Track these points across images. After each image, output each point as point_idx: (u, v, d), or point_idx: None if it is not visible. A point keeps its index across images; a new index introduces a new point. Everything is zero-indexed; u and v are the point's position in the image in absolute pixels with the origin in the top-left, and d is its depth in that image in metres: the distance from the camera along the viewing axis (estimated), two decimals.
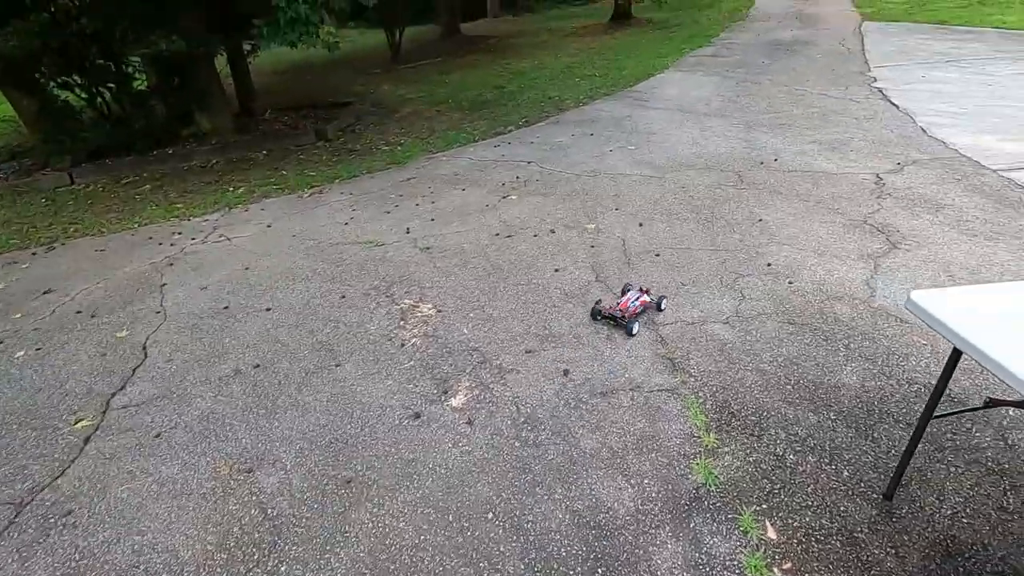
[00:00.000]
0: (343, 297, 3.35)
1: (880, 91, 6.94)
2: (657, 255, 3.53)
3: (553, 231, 3.97)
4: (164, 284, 3.69)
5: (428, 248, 3.87)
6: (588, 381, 2.51)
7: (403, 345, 2.86)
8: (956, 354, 1.54)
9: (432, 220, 4.33)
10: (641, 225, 3.94)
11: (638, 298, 2.89)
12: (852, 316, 2.80)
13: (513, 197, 4.64)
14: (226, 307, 3.35)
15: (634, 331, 2.76)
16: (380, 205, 4.74)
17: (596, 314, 2.91)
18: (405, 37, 19.61)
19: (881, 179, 4.36)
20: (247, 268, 3.81)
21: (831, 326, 2.74)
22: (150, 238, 4.47)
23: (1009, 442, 2.04)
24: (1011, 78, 7.03)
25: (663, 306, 2.95)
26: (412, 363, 2.72)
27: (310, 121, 8.20)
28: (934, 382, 2.39)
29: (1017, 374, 1.30)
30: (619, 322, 2.82)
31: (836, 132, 5.56)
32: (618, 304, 2.89)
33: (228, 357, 2.88)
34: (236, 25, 7.08)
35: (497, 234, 4.00)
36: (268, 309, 3.29)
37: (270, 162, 6.37)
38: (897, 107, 6.20)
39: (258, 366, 2.79)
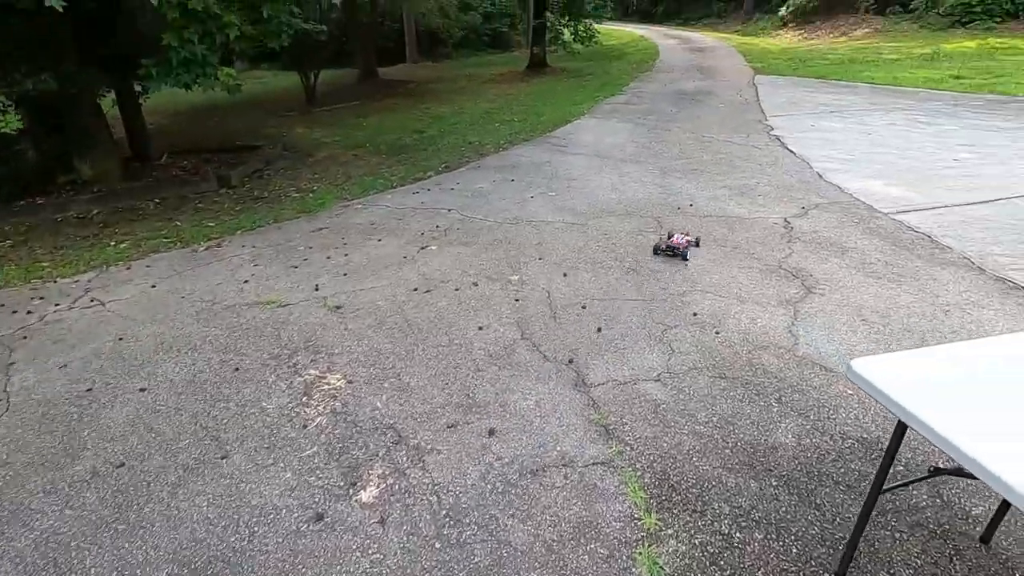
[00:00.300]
0: (237, 369, 2.93)
1: (778, 139, 7.44)
2: (583, 307, 3.40)
3: (475, 284, 3.76)
4: (12, 363, 3.09)
5: (339, 307, 3.53)
6: (517, 458, 2.26)
7: (306, 426, 2.49)
8: (902, 427, 1.44)
9: (344, 275, 3.99)
10: (565, 275, 3.82)
11: (684, 238, 4.07)
12: (779, 367, 2.76)
13: (433, 247, 4.40)
14: (89, 389, 2.82)
15: (688, 257, 3.96)
16: (287, 259, 4.34)
17: (657, 250, 4.06)
18: (322, 80, 19.21)
19: (789, 223, 4.54)
20: (121, 338, 3.28)
21: (761, 379, 2.67)
22: (2, 305, 3.80)
23: (945, 499, 2.00)
24: (885, 127, 7.78)
25: (699, 244, 4.16)
26: (315, 448, 2.35)
27: (213, 166, 7.62)
28: (865, 436, 2.36)
29: (965, 450, 1.20)
30: (677, 252, 3.98)
31: (744, 178, 5.82)
32: (671, 242, 4.03)
33: (85, 455, 2.38)
34: (120, 63, 6.51)
35: (415, 289, 3.72)
36: (143, 389, 2.80)
37: (162, 212, 5.77)
38: (794, 154, 6.63)
39: (122, 465, 2.31)
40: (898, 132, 7.46)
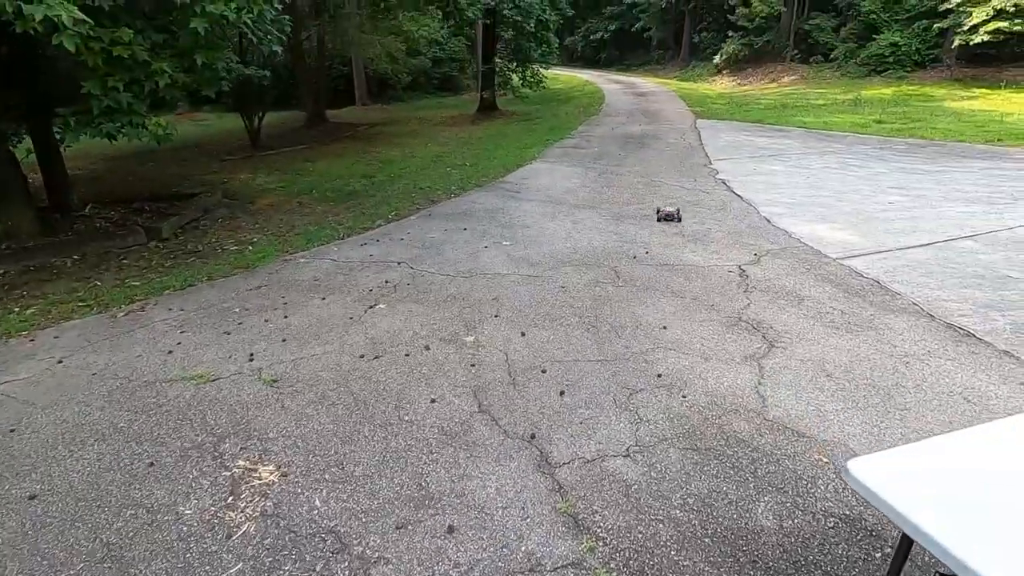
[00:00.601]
0: (152, 464, 2.55)
1: (724, 183, 7.63)
2: (543, 371, 3.20)
3: (428, 347, 3.50)
4: None
5: (275, 381, 3.19)
6: (478, 564, 1.99)
7: (230, 536, 2.14)
8: (908, 541, 1.28)
9: (283, 341, 3.66)
10: (523, 334, 3.62)
11: (669, 209, 5.73)
12: (751, 433, 2.62)
13: (382, 306, 4.13)
14: None
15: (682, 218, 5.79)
16: (219, 323, 3.97)
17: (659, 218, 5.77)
18: (268, 123, 18.82)
19: (744, 271, 4.53)
20: (13, 430, 2.83)
21: (734, 449, 2.52)
22: None
23: None
24: (822, 170, 8.14)
25: (681, 216, 5.82)
26: (240, 566, 2.01)
27: (144, 216, 7.13)
28: (847, 512, 2.22)
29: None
30: (672, 217, 5.67)
31: (695, 224, 5.86)
32: (666, 212, 5.77)
33: None
34: (37, 109, 6.06)
35: (362, 356, 3.43)
36: (33, 496, 2.38)
37: (81, 271, 5.27)
38: (741, 198, 6.78)
39: None
40: (834, 175, 7.80)
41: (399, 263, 5.01)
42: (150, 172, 11.03)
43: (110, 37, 4.45)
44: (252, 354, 3.50)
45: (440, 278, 4.62)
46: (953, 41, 16.60)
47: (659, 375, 3.11)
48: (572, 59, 41.08)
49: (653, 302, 4.02)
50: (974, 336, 3.43)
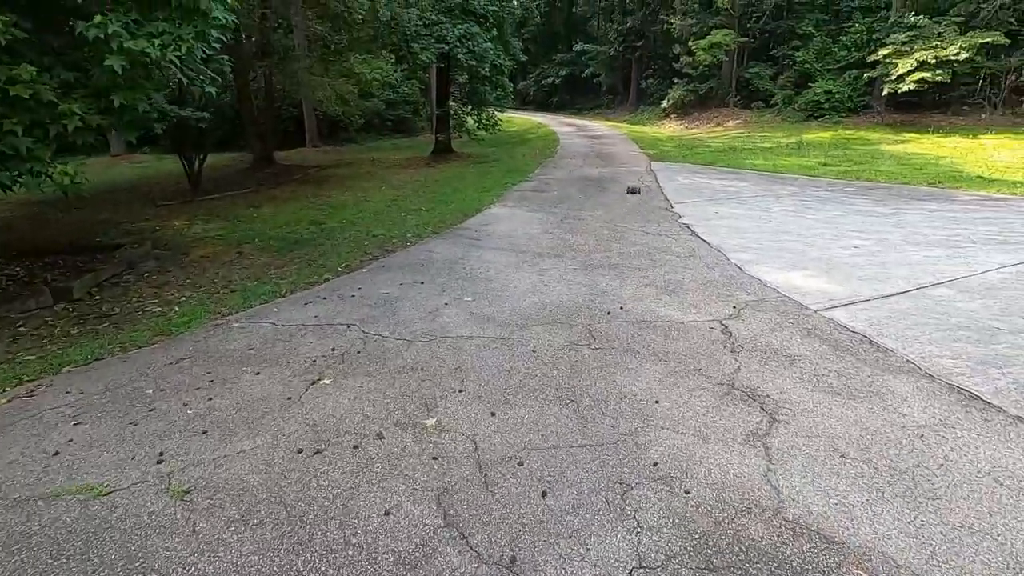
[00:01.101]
0: None
1: (688, 227, 7.48)
2: (520, 463, 2.71)
3: (381, 436, 2.96)
4: None
5: (188, 492, 2.57)
6: None
7: None
8: None
9: (204, 433, 3.03)
10: (494, 414, 3.13)
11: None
12: (773, 542, 2.20)
13: (327, 381, 3.57)
14: None
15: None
16: (126, 410, 3.30)
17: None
18: (212, 165, 18.00)
19: (727, 327, 4.22)
20: None
21: (757, 567, 2.08)
22: None
23: None
24: (782, 214, 8.14)
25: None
26: None
27: (56, 272, 6.31)
28: None
29: None
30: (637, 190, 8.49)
31: (667, 272, 5.59)
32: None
33: None
34: None
35: (301, 450, 2.85)
36: None
37: None
38: (708, 244, 6.60)
39: None
40: (794, 218, 7.79)
41: (348, 326, 4.45)
42: (73, 219, 10.09)
43: (6, 75, 3.86)
44: (162, 453, 2.86)
45: (395, 343, 4.09)
46: (883, 89, 17.68)
47: (655, 464, 2.68)
48: (525, 102, 41.99)
49: (635, 367, 3.62)
50: (981, 399, 3.18)
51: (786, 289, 5.01)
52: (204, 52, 4.98)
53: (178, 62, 4.30)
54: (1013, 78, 16.48)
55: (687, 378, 3.48)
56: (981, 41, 15.10)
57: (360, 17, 9.68)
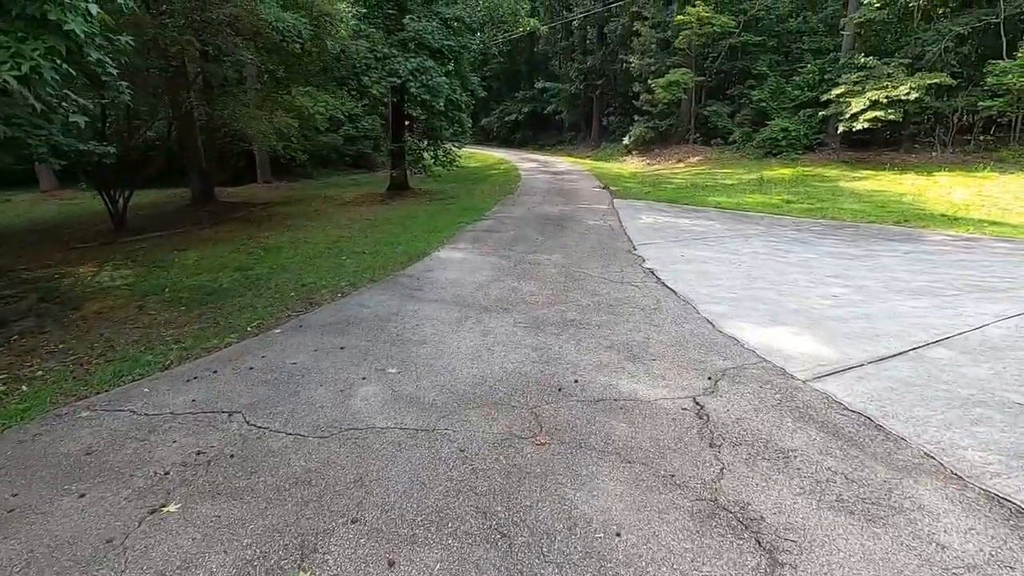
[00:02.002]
0: None
1: (652, 272, 6.82)
2: None
3: None
4: None
5: None
6: None
7: None
8: None
9: None
10: (392, 565, 2.24)
11: None
12: None
13: (172, 509, 2.61)
14: None
15: None
16: None
17: None
18: (149, 202, 16.90)
19: (702, 408, 3.45)
20: None
21: None
22: None
23: None
24: (751, 256, 7.58)
25: None
26: None
27: None
28: None
29: None
30: None
31: (629, 330, 4.84)
32: None
33: None
34: None
35: None
36: None
37: None
38: (676, 293, 5.92)
39: None
40: (765, 262, 7.23)
41: (231, 414, 3.50)
42: None
43: None
44: None
45: (285, 441, 3.17)
46: (838, 127, 17.89)
47: None
48: (488, 138, 41.97)
49: (591, 475, 2.79)
50: None
51: (766, 351, 4.30)
52: (72, 73, 4.10)
53: (13, 81, 3.41)
54: (959, 118, 16.88)
55: (657, 491, 2.66)
56: (929, 82, 15.41)
57: (299, 47, 8.97)
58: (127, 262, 8.90)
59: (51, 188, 20.12)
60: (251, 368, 4.23)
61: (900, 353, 4.21)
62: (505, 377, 3.95)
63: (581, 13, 31.50)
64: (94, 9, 3.81)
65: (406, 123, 16.54)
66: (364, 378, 3.99)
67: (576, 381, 3.86)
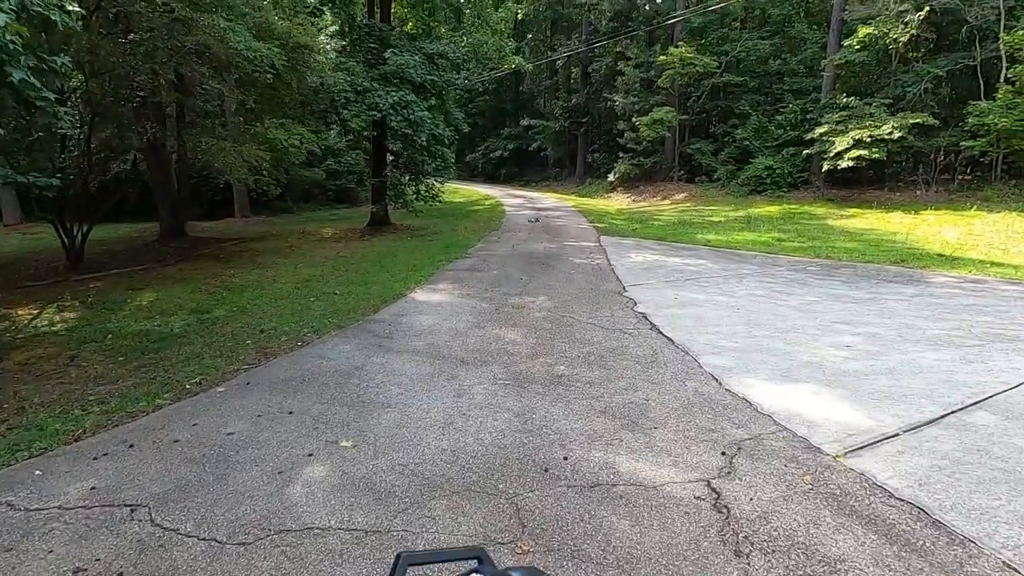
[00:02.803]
0: None
1: (645, 317, 6.27)
2: None
3: None
4: None
5: None
6: None
7: None
8: None
9: None
10: None
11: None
12: None
13: None
14: None
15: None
16: None
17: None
18: (115, 236, 16.19)
19: (718, 496, 2.84)
20: None
21: None
22: None
23: None
24: (749, 299, 7.09)
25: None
26: None
27: None
28: None
29: None
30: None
31: (624, 389, 4.24)
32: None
33: None
34: None
35: None
36: None
37: None
38: (673, 342, 5.36)
39: None
40: (764, 305, 6.73)
41: (135, 509, 2.79)
42: None
43: None
44: None
45: (194, 551, 2.47)
46: (822, 166, 17.89)
47: None
48: (473, 174, 41.94)
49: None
50: None
51: (784, 416, 3.72)
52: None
53: None
54: (942, 157, 16.96)
55: None
56: (913, 121, 15.47)
57: (270, 78, 8.53)
58: (74, 303, 8.14)
59: (15, 221, 19.26)
60: (176, 441, 3.52)
61: (938, 419, 3.66)
62: (481, 452, 3.31)
63: (565, 53, 31.97)
64: (2, 20, 3.26)
65: (388, 158, 16.15)
66: (311, 454, 3.31)
67: (566, 458, 3.22)
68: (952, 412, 3.75)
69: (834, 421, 3.65)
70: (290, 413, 3.90)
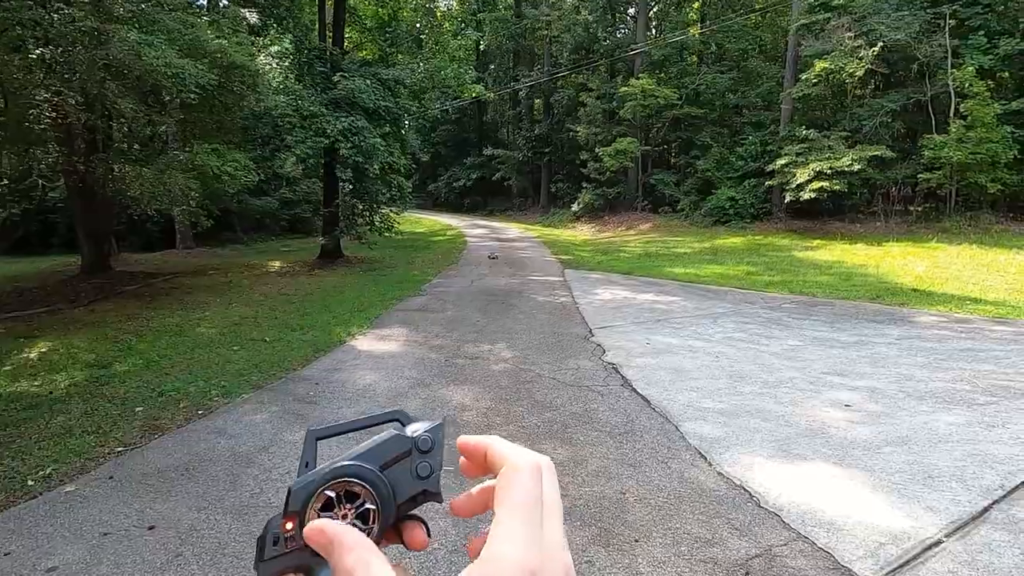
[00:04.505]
0: None
1: (615, 368, 5.50)
2: None
3: None
4: None
5: None
6: None
7: None
8: None
9: None
10: None
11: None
12: None
13: None
14: None
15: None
16: None
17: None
18: (36, 270, 14.64)
19: None
20: None
21: None
22: None
23: None
24: (727, 343, 6.42)
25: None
26: None
27: None
28: None
29: None
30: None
31: (595, 476, 3.40)
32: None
33: None
34: None
35: None
36: None
37: None
38: (649, 403, 4.57)
39: None
40: (744, 352, 6.06)
41: None
42: None
43: None
44: None
45: None
46: (784, 197, 17.86)
47: None
48: (436, 204, 41.18)
49: None
50: None
51: (797, 515, 2.94)
52: None
53: None
54: (900, 190, 17.15)
55: None
56: (871, 154, 15.56)
57: (193, 99, 7.59)
58: None
59: None
60: None
61: (981, 513, 2.94)
62: None
63: (527, 83, 31.93)
64: None
65: (348, 186, 15.20)
66: None
67: None
68: (995, 502, 3.05)
69: (858, 521, 2.88)
70: (150, 528, 2.89)
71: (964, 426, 4.03)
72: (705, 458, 3.63)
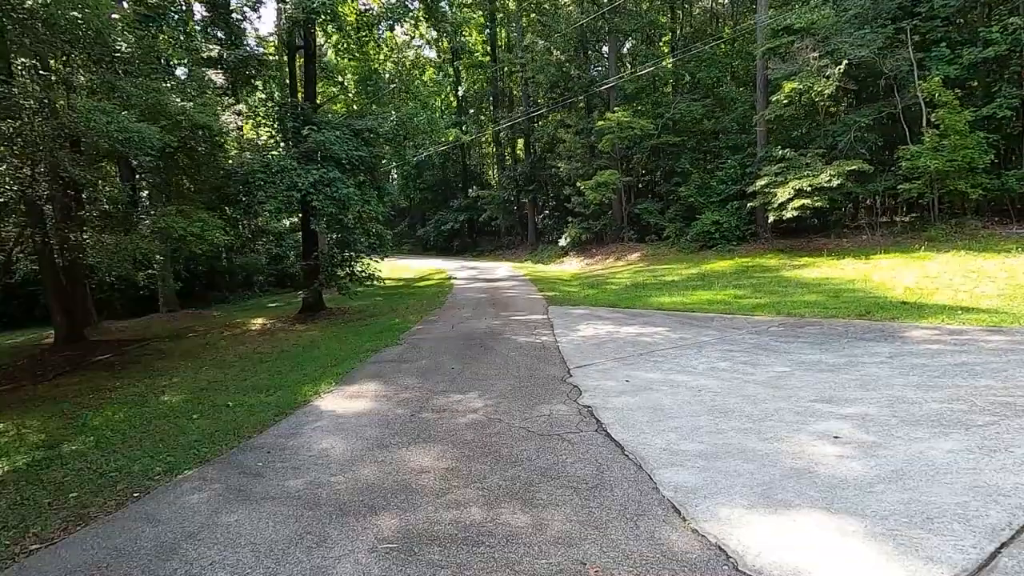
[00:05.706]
0: None
1: (590, 412, 5.14)
2: None
3: None
4: None
5: None
6: None
7: None
8: None
9: None
10: None
11: None
12: None
13: None
14: None
15: None
16: None
17: None
18: (12, 344, 14.33)
19: None
20: None
21: None
22: None
23: None
24: (710, 375, 6.08)
25: None
26: None
27: None
28: None
29: None
30: None
31: (555, 544, 3.03)
32: None
33: None
34: None
35: None
36: None
37: None
38: (623, 450, 4.21)
39: None
40: (728, 383, 5.71)
41: None
42: None
43: None
44: None
45: None
46: (768, 217, 17.77)
47: None
48: (426, 248, 41.19)
49: None
50: None
51: None
52: None
53: None
54: (882, 201, 17.09)
55: None
56: (849, 168, 15.55)
57: (150, 161, 7.46)
58: None
59: None
60: None
61: (989, 560, 2.57)
62: None
63: (506, 123, 32.41)
64: None
65: (330, 238, 15.03)
66: None
67: None
68: (1003, 546, 2.68)
69: None
70: None
71: (963, 453, 3.68)
72: (679, 512, 3.25)
